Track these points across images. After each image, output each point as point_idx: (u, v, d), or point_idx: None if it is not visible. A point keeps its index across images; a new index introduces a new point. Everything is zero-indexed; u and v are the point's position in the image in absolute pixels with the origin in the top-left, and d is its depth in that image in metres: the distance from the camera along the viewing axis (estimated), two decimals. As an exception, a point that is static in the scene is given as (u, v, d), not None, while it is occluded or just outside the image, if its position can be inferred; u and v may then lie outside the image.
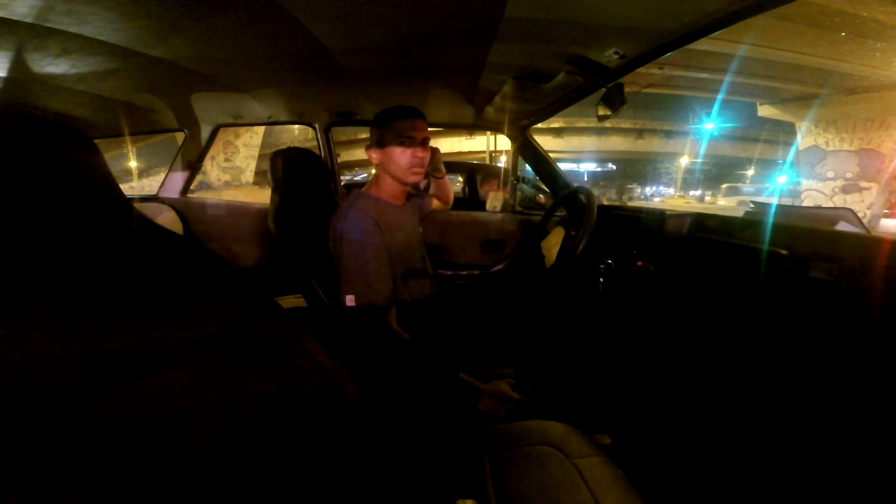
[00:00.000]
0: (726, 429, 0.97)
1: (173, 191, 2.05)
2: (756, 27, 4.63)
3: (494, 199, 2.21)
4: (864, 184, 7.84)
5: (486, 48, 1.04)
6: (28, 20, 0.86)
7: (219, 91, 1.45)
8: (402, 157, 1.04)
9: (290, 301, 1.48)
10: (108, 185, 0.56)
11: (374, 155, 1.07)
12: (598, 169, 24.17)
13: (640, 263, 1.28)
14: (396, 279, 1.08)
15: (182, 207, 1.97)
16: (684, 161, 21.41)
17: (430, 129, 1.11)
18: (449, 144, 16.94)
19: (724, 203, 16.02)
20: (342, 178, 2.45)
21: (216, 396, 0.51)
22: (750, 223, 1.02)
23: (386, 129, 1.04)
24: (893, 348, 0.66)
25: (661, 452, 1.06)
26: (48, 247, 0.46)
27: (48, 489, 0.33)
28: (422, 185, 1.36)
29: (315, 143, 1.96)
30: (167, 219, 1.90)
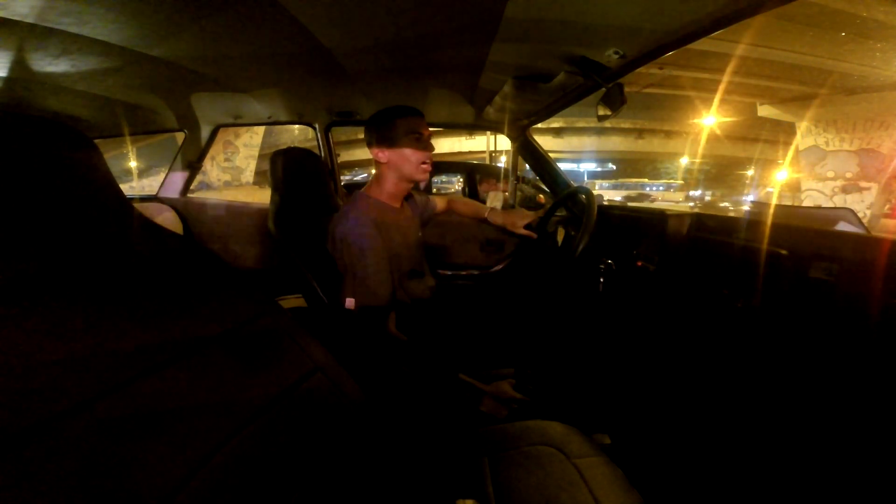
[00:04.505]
0: (726, 428, 0.97)
1: (173, 191, 2.04)
2: (756, 27, 4.63)
3: (494, 199, 2.21)
4: (864, 184, 7.84)
5: (486, 48, 1.04)
6: (28, 20, 0.86)
7: (219, 91, 1.45)
8: (413, 154, 1.06)
9: (290, 301, 1.48)
10: (108, 185, 0.56)
11: (382, 154, 1.07)
12: (598, 169, 24.19)
13: (640, 263, 1.28)
14: (395, 281, 1.08)
15: (182, 207, 1.97)
16: (684, 161, 21.40)
17: (430, 129, 1.13)
18: (449, 144, 16.91)
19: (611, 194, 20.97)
20: (342, 178, 2.45)
21: (216, 396, 0.51)
22: (750, 223, 1.02)
23: (394, 127, 1.05)
24: (893, 348, 0.66)
25: (661, 452, 1.05)
26: (48, 246, 0.46)
27: (48, 489, 0.33)
28: (422, 185, 1.36)
29: (315, 143, 1.96)
30: (167, 219, 1.90)
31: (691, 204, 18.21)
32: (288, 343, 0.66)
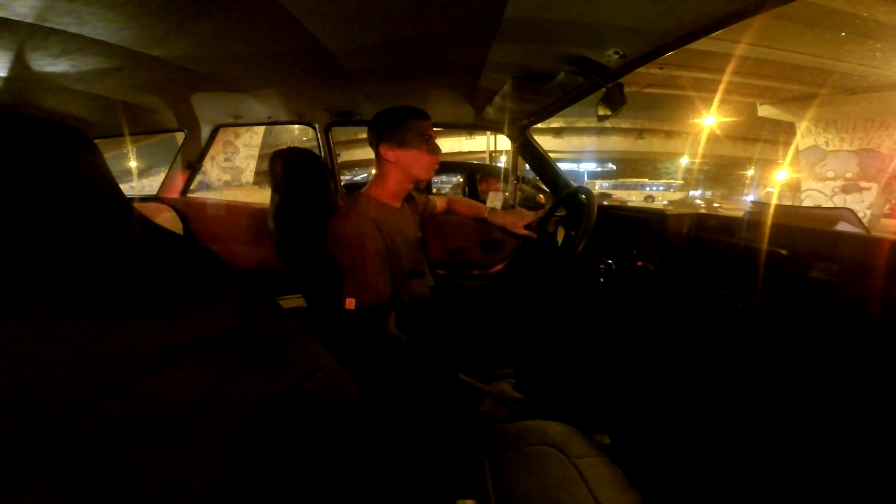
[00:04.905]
0: (726, 429, 0.97)
1: (173, 191, 2.05)
2: (756, 27, 4.62)
3: (494, 199, 2.21)
4: (864, 184, 7.85)
5: (486, 48, 1.04)
6: (28, 20, 0.86)
7: (219, 91, 1.45)
8: (424, 156, 1.08)
9: (290, 301, 1.48)
10: (108, 185, 0.56)
11: (392, 153, 1.06)
12: (598, 169, 24.21)
13: (640, 263, 1.28)
14: (395, 281, 1.08)
15: (182, 207, 1.97)
16: (684, 161, 21.42)
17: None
18: (449, 144, 16.92)
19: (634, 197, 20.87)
20: (342, 178, 2.45)
21: (216, 396, 0.51)
22: (750, 223, 1.02)
23: (406, 126, 1.05)
24: (893, 348, 0.66)
25: (661, 452, 1.05)
26: (48, 247, 0.46)
27: (48, 489, 0.33)
28: (422, 185, 1.36)
29: (315, 143, 1.96)
30: (167, 219, 1.90)
31: (665, 202, 18.93)
32: (288, 343, 0.66)
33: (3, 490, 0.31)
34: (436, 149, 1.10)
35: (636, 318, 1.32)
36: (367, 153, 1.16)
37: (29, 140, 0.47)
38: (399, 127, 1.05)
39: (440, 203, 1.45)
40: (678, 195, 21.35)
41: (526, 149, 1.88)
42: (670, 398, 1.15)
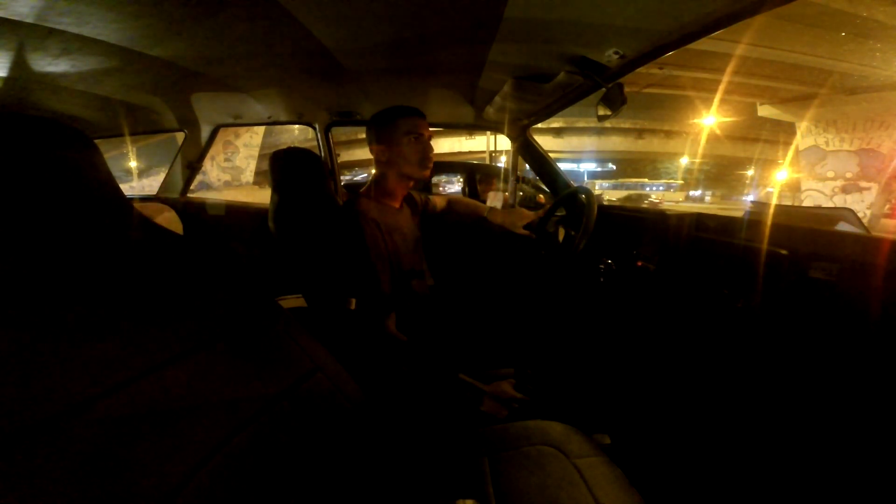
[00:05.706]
0: (726, 429, 0.97)
1: (173, 191, 2.05)
2: (756, 27, 4.63)
3: (494, 199, 2.21)
4: (864, 184, 7.86)
5: (486, 48, 1.04)
6: (28, 20, 0.86)
7: (219, 91, 1.45)
8: (413, 153, 1.07)
9: (290, 301, 1.48)
10: (108, 185, 0.56)
11: (382, 152, 1.07)
12: (598, 169, 24.23)
13: (640, 263, 1.27)
14: (395, 281, 1.08)
15: (182, 207, 1.97)
16: (684, 161, 21.43)
17: (430, 129, 1.14)
18: (449, 144, 16.92)
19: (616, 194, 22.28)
20: (342, 178, 2.45)
21: (216, 396, 0.51)
22: (750, 223, 1.02)
23: (395, 126, 1.05)
24: (893, 348, 0.66)
25: (661, 452, 1.05)
26: (48, 247, 0.46)
27: (48, 489, 0.33)
28: (420, 184, 1.36)
29: (315, 143, 1.96)
30: (167, 219, 1.90)
31: (613, 198, 19.88)
32: (288, 343, 0.66)
33: (3, 490, 0.31)
34: (427, 146, 1.09)
35: (636, 318, 1.32)
36: (367, 153, 1.15)
37: (29, 140, 0.47)
38: (389, 127, 1.06)
39: (440, 203, 1.45)
40: (680, 195, 21.56)
41: (526, 149, 1.88)
42: (670, 398, 1.15)
